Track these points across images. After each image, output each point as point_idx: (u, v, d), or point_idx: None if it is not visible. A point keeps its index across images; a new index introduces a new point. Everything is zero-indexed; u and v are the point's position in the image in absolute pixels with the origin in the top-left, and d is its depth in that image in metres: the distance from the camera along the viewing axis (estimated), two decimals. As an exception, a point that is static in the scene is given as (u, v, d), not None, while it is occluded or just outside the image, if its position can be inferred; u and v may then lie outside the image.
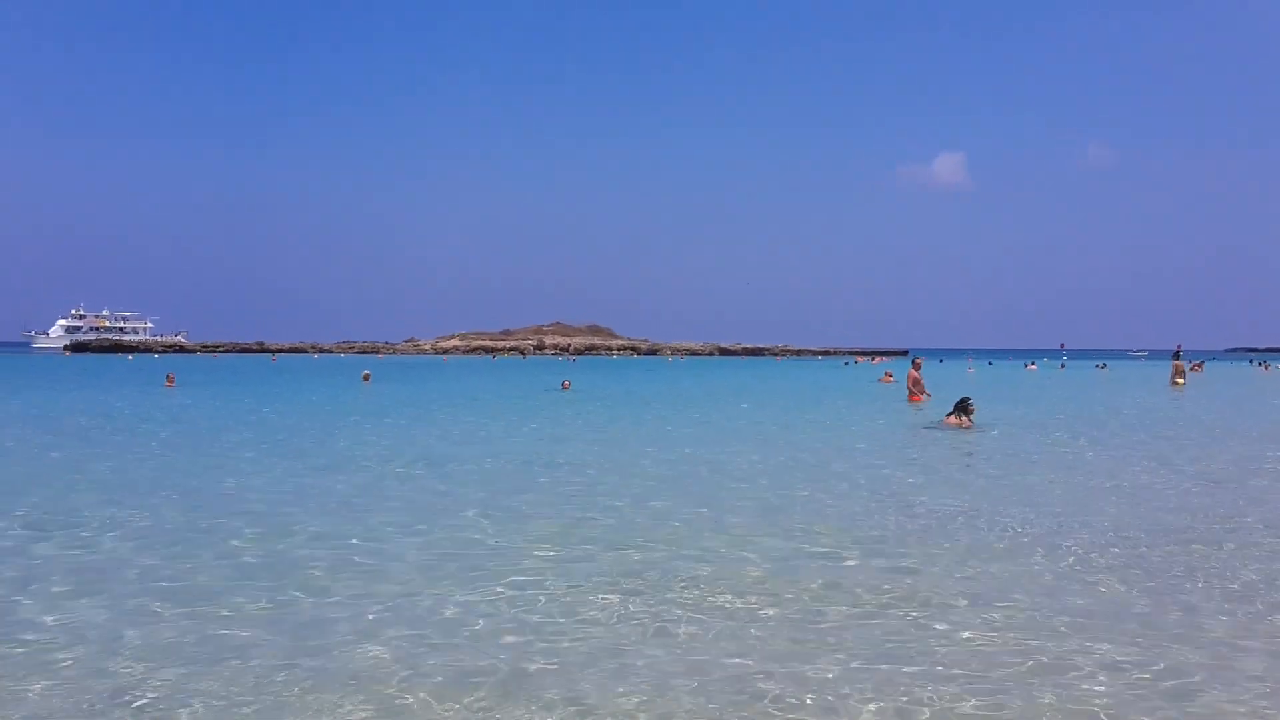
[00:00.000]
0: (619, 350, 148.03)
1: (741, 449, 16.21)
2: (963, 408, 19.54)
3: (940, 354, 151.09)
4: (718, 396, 34.93)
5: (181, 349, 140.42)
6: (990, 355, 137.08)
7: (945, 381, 44.02)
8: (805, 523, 9.27)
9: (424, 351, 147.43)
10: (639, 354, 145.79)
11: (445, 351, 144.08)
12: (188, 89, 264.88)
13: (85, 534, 8.70)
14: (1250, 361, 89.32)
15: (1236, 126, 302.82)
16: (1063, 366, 76.85)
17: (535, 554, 7.86)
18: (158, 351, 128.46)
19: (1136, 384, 45.97)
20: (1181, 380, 41.44)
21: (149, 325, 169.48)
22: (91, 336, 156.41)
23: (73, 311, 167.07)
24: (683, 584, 6.89)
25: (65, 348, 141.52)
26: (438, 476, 12.71)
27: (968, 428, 19.10)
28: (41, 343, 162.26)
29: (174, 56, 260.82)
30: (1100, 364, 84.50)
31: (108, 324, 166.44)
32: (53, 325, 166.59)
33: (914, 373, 29.01)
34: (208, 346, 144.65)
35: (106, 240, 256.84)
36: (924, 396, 28.05)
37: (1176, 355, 47.06)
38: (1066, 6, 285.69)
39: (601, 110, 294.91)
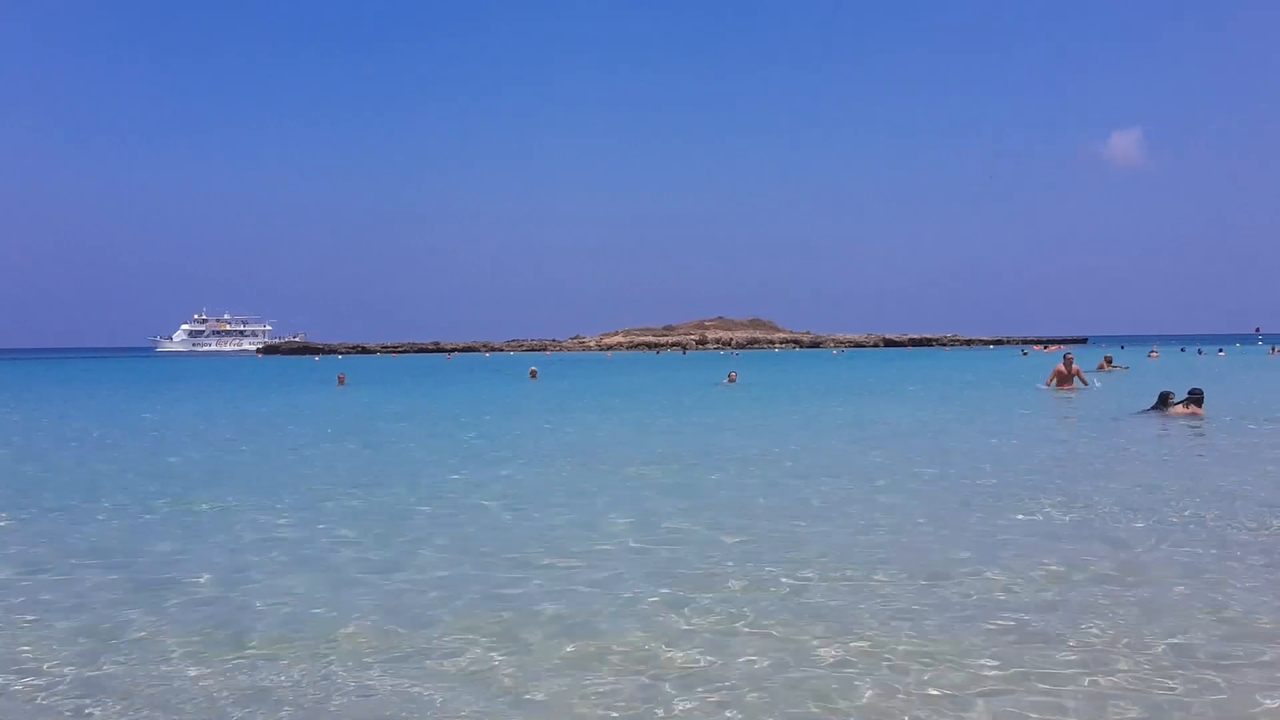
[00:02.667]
0: (781, 343, 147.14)
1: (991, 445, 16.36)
2: (1194, 399, 18.97)
3: (1121, 340, 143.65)
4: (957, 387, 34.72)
5: (364, 350, 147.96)
6: (1181, 341, 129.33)
7: (1136, 368, 42.18)
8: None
9: (588, 348, 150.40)
10: (801, 346, 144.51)
11: (609, 348, 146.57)
12: (329, 87, 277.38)
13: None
14: None
15: None
16: (1221, 353, 72.16)
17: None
18: (340, 353, 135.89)
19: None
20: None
21: (268, 328, 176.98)
22: (212, 341, 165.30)
23: (195, 316, 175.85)
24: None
25: (258, 351, 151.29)
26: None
27: (1200, 416, 18.57)
28: (166, 346, 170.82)
29: (308, 47, 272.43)
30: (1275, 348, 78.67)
31: (228, 327, 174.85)
32: (176, 329, 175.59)
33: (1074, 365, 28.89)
34: (387, 347, 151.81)
35: (237, 247, 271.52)
36: (1076, 382, 28.18)
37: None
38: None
39: (762, 103, 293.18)
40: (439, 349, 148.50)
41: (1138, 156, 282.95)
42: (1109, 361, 42.17)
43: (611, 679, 5.00)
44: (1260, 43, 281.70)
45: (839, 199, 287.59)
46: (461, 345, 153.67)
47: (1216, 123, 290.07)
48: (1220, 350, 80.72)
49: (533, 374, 47.73)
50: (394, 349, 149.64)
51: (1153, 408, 19.52)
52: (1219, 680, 4.77)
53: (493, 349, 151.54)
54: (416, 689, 4.89)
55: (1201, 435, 16.38)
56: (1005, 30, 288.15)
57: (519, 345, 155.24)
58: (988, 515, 9.03)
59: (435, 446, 16.47)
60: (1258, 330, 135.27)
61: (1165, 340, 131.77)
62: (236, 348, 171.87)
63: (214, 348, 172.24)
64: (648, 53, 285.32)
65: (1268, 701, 4.52)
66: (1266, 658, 5.07)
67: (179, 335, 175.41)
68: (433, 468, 13.57)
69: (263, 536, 8.68)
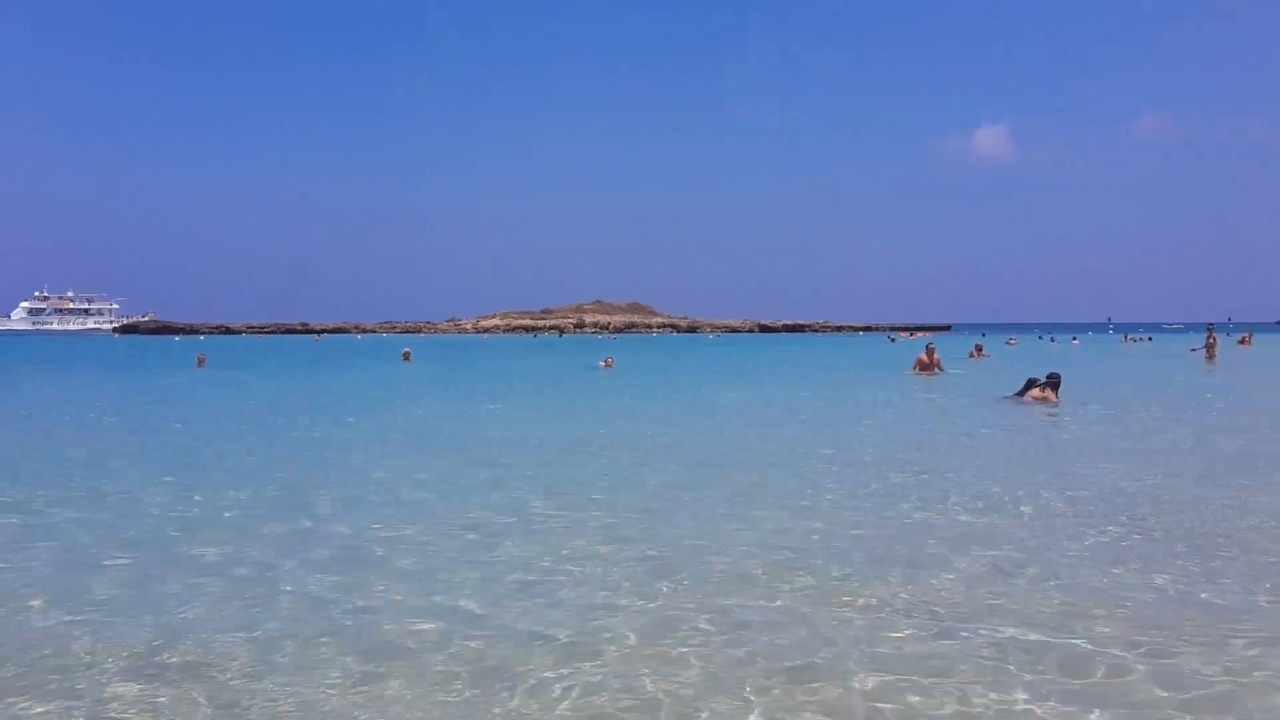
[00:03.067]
0: (659, 328, 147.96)
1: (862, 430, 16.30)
2: (1051, 383, 19.50)
3: (983, 328, 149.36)
4: (813, 372, 34.97)
5: (227, 330, 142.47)
6: (1039, 330, 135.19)
7: (997, 355, 43.67)
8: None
9: (465, 331, 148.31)
10: (679, 331, 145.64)
11: (486, 331, 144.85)
12: (203, 80, 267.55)
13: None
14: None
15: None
16: (1075, 341, 76.08)
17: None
18: (203, 333, 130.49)
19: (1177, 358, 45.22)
20: (1213, 356, 40.49)
21: (115, 306, 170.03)
22: (55, 320, 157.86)
23: (35, 294, 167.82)
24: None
25: (114, 330, 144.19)
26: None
27: (1054, 403, 19.04)
28: (3, 325, 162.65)
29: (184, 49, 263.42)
30: (1143, 336, 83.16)
31: (72, 305, 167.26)
32: (15, 308, 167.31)
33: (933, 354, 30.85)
34: (253, 328, 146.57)
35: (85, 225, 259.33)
36: (936, 369, 30.19)
37: (1209, 329, 46.10)
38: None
39: (644, 90, 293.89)
40: (307, 330, 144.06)
41: (1003, 152, 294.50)
42: (979, 350, 43.68)
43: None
44: (1115, 44, 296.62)
45: (715, 185, 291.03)
46: (331, 326, 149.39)
47: (1079, 120, 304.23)
48: (1074, 339, 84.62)
49: (406, 356, 46.64)
50: (260, 329, 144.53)
51: (1018, 393, 20.08)
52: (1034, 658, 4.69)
53: (364, 330, 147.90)
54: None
55: (1055, 417, 17.03)
56: (872, 28, 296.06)
57: (392, 327, 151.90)
58: (841, 498, 8.95)
59: (268, 440, 15.67)
60: (1109, 320, 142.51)
61: (1023, 329, 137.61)
62: (81, 326, 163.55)
63: (57, 326, 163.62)
64: (519, 46, 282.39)
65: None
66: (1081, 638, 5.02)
67: (18, 314, 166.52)
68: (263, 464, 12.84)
69: None
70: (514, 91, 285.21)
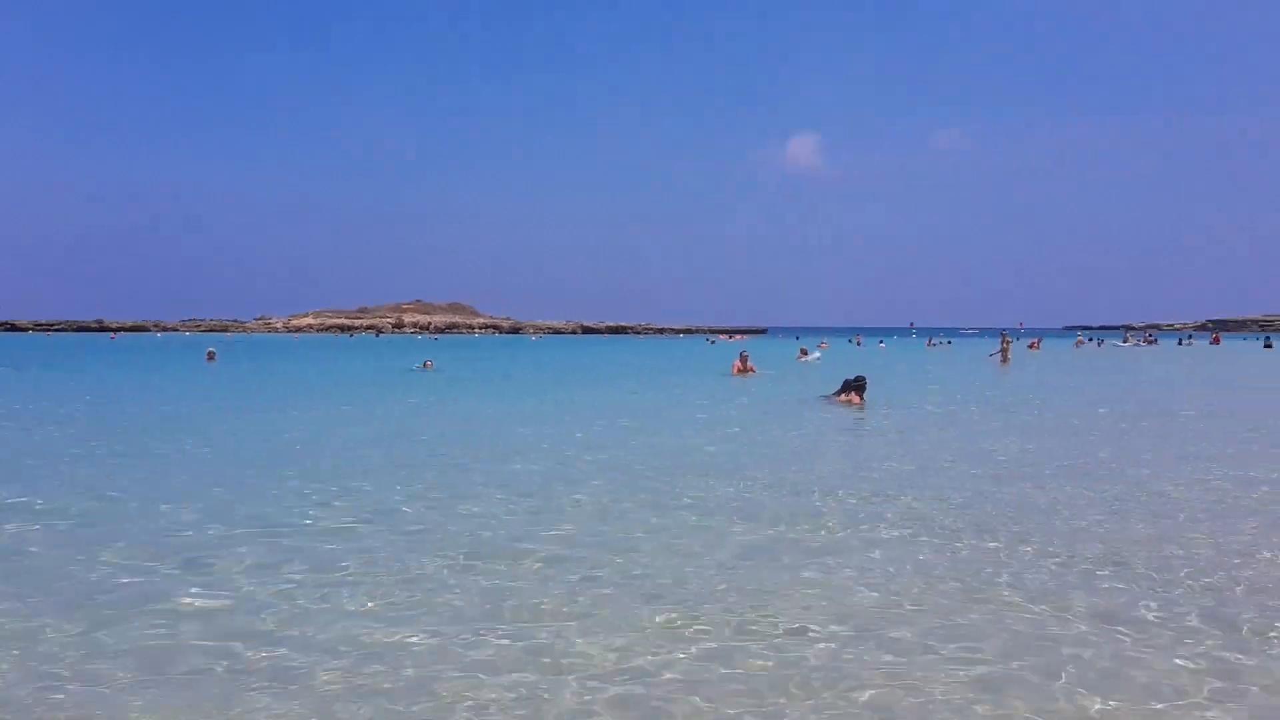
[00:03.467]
0: (480, 328, 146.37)
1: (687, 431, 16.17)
2: (856, 386, 20.18)
3: (796, 331, 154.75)
4: (648, 375, 34.85)
5: (13, 327, 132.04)
6: (849, 333, 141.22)
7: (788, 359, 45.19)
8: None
9: (275, 330, 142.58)
10: (501, 332, 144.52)
11: (298, 330, 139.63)
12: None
13: None
14: (1090, 339, 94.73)
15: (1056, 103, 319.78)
16: (881, 344, 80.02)
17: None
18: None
19: (970, 359, 47.92)
20: (1007, 359, 43.66)
21: None
22: None
23: None
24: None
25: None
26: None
27: (858, 404, 19.71)
28: None
29: None
30: (944, 340, 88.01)
31: None
32: None
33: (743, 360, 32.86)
34: (41, 325, 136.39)
35: None
36: (750, 372, 32.28)
37: (1003, 335, 49.40)
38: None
39: (466, 82, 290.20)
40: (102, 328, 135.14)
41: (814, 160, 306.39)
42: (804, 353, 45.69)
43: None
44: (929, 51, 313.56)
45: (541, 185, 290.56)
46: (129, 324, 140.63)
47: (889, 128, 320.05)
48: (880, 341, 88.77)
49: (210, 356, 44.36)
50: (48, 327, 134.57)
51: (835, 393, 20.90)
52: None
53: (165, 329, 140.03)
54: None
55: (861, 418, 17.78)
56: (688, 32, 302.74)
57: (196, 325, 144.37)
58: (659, 494, 8.89)
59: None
60: (911, 325, 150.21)
61: (835, 333, 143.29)
62: None
63: None
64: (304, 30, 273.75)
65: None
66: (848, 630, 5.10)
67: None
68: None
69: None
70: (319, 87, 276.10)
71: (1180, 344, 79.44)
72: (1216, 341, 77.68)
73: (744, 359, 32.75)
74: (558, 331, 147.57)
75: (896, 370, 37.65)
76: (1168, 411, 19.79)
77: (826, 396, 21.23)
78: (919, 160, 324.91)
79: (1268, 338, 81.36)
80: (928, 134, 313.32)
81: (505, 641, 5.34)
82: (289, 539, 7.78)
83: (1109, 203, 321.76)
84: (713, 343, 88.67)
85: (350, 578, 6.65)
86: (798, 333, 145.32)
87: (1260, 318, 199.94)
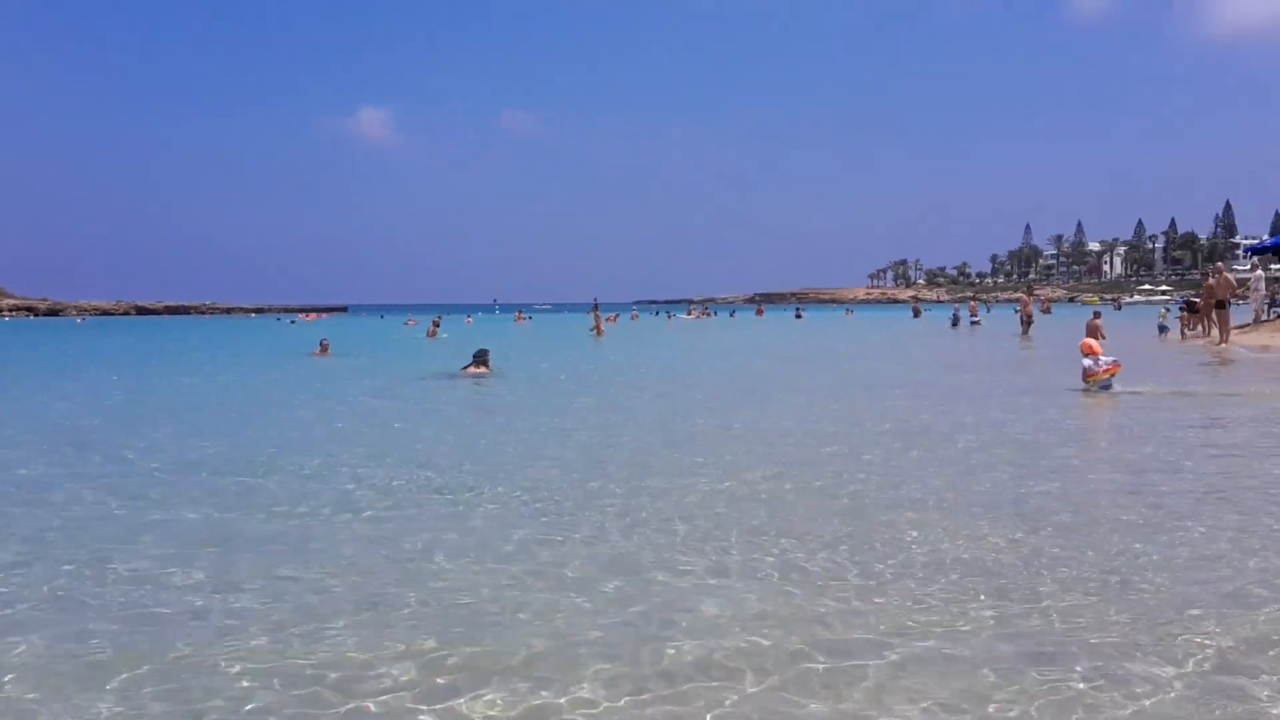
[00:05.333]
0: (10, 311, 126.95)
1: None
2: (481, 359, 20.88)
3: (381, 310, 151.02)
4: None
5: None
6: (434, 311, 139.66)
7: (374, 336, 43.31)
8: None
9: None
10: (37, 315, 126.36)
11: None
12: None
13: None
14: (656, 313, 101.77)
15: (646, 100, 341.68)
16: (469, 319, 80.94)
17: None
18: None
19: (564, 334, 49.01)
20: (601, 330, 45.50)
21: None
22: None
23: None
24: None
25: None
26: None
27: (486, 374, 20.36)
28: None
29: None
30: (526, 316, 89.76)
31: None
32: None
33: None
34: None
35: None
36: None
37: (595, 308, 51.26)
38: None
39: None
40: None
41: (387, 134, 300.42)
42: (436, 325, 45.28)
43: None
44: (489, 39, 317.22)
45: (79, 150, 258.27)
46: None
47: (458, 105, 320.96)
48: (468, 317, 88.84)
49: None
50: None
51: (465, 367, 20.94)
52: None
53: None
54: None
55: (481, 390, 17.98)
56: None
57: None
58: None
59: None
60: (495, 301, 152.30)
61: (421, 309, 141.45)
62: None
63: None
64: None
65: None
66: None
67: None
68: None
69: None
70: None
71: (731, 316, 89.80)
72: (760, 314, 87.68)
73: (324, 346, 30.12)
74: (107, 313, 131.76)
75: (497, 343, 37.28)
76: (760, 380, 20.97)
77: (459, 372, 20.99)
78: (489, 138, 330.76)
79: (798, 309, 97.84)
80: (496, 114, 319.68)
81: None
82: None
83: (666, 187, 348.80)
84: (293, 323, 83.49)
85: None
86: (382, 310, 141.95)
87: (795, 291, 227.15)
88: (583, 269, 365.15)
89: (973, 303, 51.44)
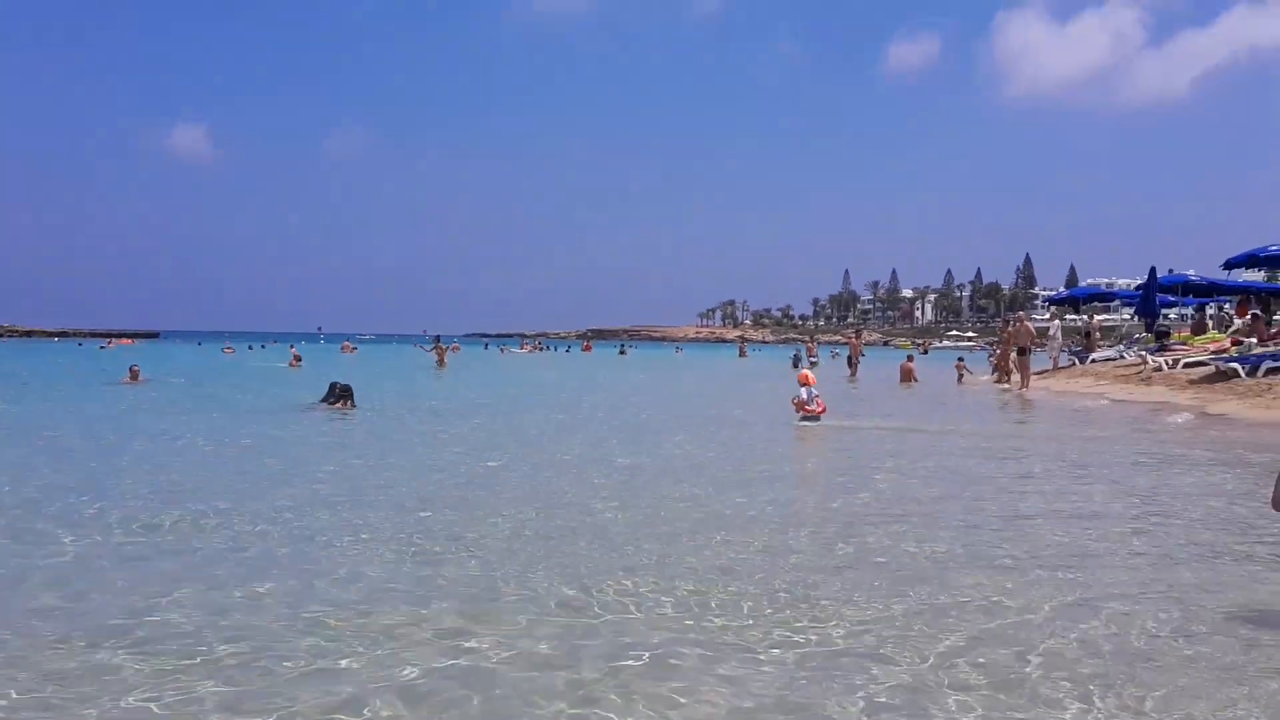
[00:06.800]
0: None
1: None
2: (344, 393, 19.90)
3: (199, 336, 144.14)
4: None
5: None
6: (250, 339, 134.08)
7: (197, 365, 41.34)
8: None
9: None
10: None
11: None
12: None
13: None
14: (486, 346, 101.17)
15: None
16: (293, 349, 78.81)
17: None
18: None
19: (401, 365, 48.06)
20: (444, 362, 45.10)
21: None
22: None
23: None
24: None
25: None
26: None
27: (350, 409, 19.42)
28: None
29: None
30: (353, 346, 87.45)
31: None
32: None
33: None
34: None
35: None
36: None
37: (437, 340, 50.67)
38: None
39: None
40: None
41: (203, 151, 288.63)
42: (298, 359, 44.63)
43: None
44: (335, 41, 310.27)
45: None
46: None
47: (282, 123, 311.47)
48: (291, 346, 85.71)
49: None
50: None
51: (324, 399, 20.19)
52: None
53: None
54: None
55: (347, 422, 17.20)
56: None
57: None
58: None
59: None
60: (320, 329, 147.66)
61: (240, 337, 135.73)
62: None
63: None
64: None
65: None
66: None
67: None
68: None
69: None
70: None
71: (567, 351, 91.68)
72: (588, 349, 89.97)
73: (134, 372, 28.23)
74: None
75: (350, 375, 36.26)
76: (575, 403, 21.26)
77: (314, 404, 20.36)
78: (312, 161, 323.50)
79: (622, 345, 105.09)
80: (321, 135, 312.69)
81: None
82: None
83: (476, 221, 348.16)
84: (103, 348, 78.53)
85: None
86: (200, 337, 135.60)
87: (627, 328, 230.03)
88: (412, 299, 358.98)
89: (810, 344, 53.18)
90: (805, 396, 17.32)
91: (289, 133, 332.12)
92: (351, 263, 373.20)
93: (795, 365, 47.60)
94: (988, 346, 51.24)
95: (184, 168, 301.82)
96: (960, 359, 41.04)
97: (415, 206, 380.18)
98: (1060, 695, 4.35)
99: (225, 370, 41.38)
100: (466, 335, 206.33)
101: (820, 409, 17.30)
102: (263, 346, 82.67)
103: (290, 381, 31.99)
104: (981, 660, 4.79)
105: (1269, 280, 33.78)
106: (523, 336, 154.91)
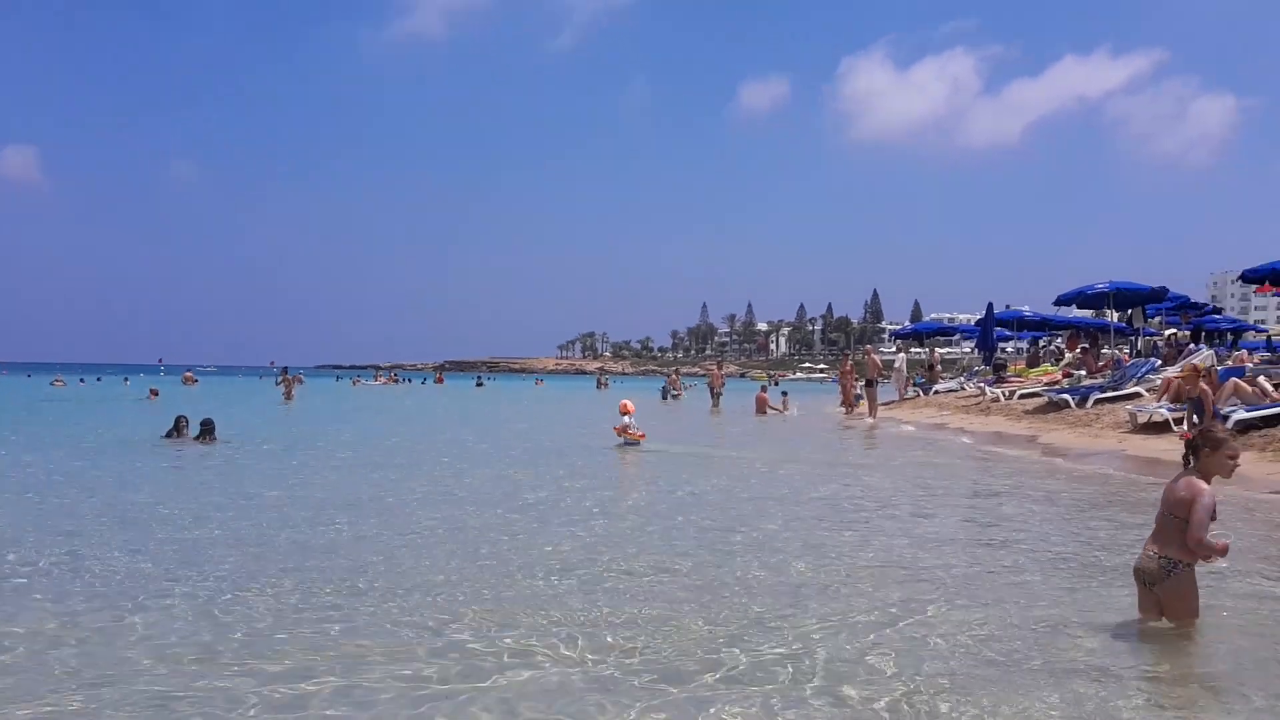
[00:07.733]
0: None
1: None
2: (207, 429, 18.88)
3: (29, 368, 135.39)
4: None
5: None
6: (93, 370, 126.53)
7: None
8: None
9: None
10: None
11: None
12: None
13: None
14: (338, 378, 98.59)
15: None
16: (126, 381, 75.10)
17: None
18: None
19: (248, 397, 46.32)
20: (291, 395, 43.69)
21: None
22: None
23: None
24: None
25: None
26: None
27: (212, 443, 18.59)
28: None
29: None
30: (194, 378, 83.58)
31: None
32: None
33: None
34: None
35: None
36: None
37: (284, 371, 49.20)
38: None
39: None
40: None
41: (32, 174, 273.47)
42: (154, 393, 42.80)
43: None
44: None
45: None
46: None
47: (115, 151, 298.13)
48: (126, 379, 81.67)
49: None
50: None
51: (168, 434, 19.42)
52: None
53: None
54: None
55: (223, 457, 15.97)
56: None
57: None
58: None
59: None
60: (160, 360, 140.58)
61: (71, 368, 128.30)
62: None
63: None
64: None
65: None
66: None
67: None
68: None
69: None
70: None
71: (424, 383, 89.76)
72: (440, 381, 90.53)
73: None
74: None
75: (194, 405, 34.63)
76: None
77: (164, 437, 19.49)
78: (151, 188, 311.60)
79: (479, 378, 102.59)
80: (164, 161, 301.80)
81: None
82: None
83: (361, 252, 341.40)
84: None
85: None
86: (30, 369, 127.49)
87: (486, 360, 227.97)
88: (260, 330, 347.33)
89: (674, 377, 53.49)
90: (629, 422, 18.70)
91: (124, 162, 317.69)
92: (196, 292, 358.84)
93: (664, 398, 47.91)
94: (836, 379, 52.71)
95: (11, 191, 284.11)
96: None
97: (262, 238, 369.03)
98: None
99: (64, 404, 38.81)
100: (319, 366, 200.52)
101: (640, 435, 18.64)
102: (98, 379, 78.32)
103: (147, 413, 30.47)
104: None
105: (1097, 317, 35.91)
106: (377, 368, 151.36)
